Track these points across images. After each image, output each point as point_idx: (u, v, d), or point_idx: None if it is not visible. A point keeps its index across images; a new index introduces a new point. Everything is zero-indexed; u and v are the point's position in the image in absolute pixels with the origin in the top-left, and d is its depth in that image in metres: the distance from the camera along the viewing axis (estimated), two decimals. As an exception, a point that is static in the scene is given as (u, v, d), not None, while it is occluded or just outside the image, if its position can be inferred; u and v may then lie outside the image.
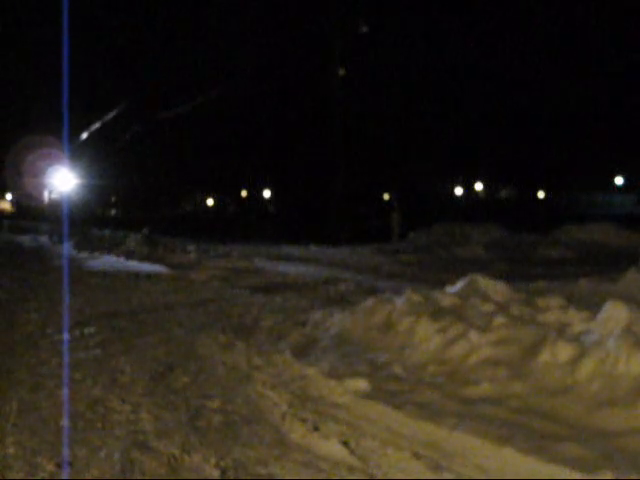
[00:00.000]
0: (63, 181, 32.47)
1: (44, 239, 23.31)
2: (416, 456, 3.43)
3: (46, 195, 43.48)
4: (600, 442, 3.43)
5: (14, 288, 10.08)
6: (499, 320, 5.25)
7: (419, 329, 5.42)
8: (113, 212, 53.81)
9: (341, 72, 19.60)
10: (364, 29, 19.48)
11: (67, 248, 17.09)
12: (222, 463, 3.41)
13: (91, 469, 3.35)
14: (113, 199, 52.63)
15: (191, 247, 15.30)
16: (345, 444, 3.60)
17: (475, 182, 54.13)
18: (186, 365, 5.37)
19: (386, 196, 38.66)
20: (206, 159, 41.22)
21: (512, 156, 43.54)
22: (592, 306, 5.36)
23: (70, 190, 33.00)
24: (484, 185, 55.26)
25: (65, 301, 8.60)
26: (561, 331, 4.83)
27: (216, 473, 3.30)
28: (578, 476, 3.06)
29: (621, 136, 40.63)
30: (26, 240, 23.24)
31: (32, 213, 48.00)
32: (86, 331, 6.69)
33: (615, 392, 3.91)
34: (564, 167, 44.58)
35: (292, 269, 12.24)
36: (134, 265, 13.48)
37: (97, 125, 27.87)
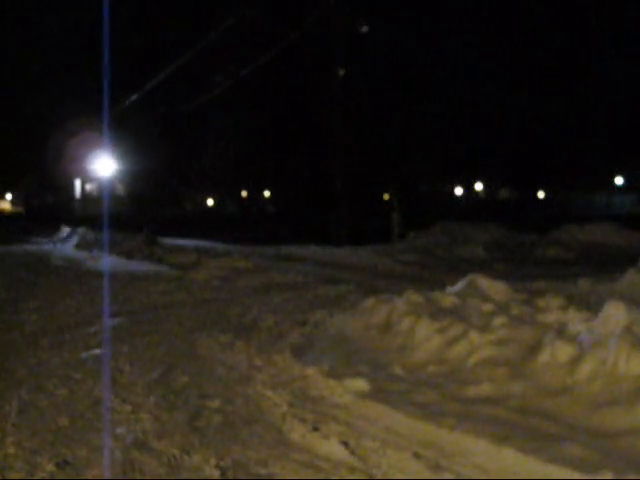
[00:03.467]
0: (103, 168, 24.67)
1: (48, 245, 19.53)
2: (416, 456, 3.43)
3: (77, 187, 33.69)
4: (600, 442, 3.43)
5: (14, 288, 10.07)
6: (499, 320, 5.26)
7: (419, 329, 5.42)
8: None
9: (341, 72, 19.58)
10: (364, 29, 19.47)
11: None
12: (222, 463, 3.41)
13: (91, 469, 3.35)
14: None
15: (191, 247, 15.30)
16: (345, 444, 3.60)
17: (475, 182, 54.15)
18: (186, 365, 5.37)
19: (386, 196, 38.66)
20: (206, 159, 41.17)
21: (512, 156, 43.56)
22: (592, 306, 5.37)
23: (111, 179, 24.79)
24: (484, 185, 55.28)
25: (65, 302, 8.60)
26: (561, 331, 4.83)
27: (216, 473, 3.30)
28: (578, 476, 3.06)
29: (621, 136, 40.68)
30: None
31: (51, 212, 38.26)
32: (85, 331, 6.69)
33: (615, 392, 3.91)
34: (564, 167, 44.60)
35: (292, 269, 12.23)
36: (134, 265, 13.47)
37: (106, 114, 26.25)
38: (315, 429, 3.82)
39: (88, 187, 33.36)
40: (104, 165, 25.59)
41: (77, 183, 33.74)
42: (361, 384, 4.44)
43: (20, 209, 56.58)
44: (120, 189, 32.53)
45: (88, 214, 29.77)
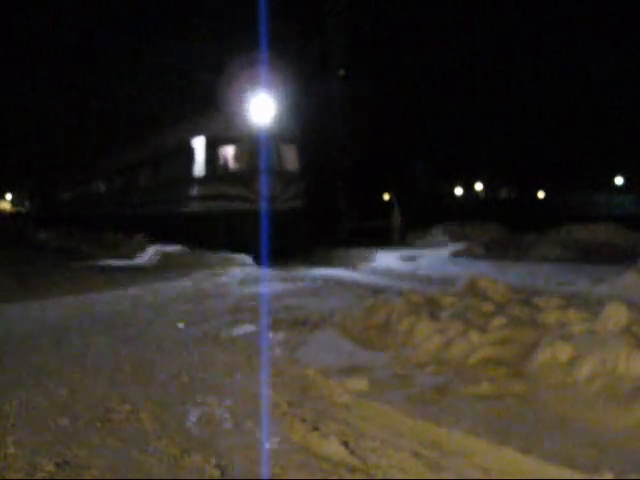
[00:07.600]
0: (258, 114, 12.99)
1: None
2: (416, 456, 3.43)
3: (199, 153, 14.27)
4: (600, 442, 3.43)
5: (14, 287, 10.08)
6: (499, 320, 5.25)
7: (419, 329, 5.42)
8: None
9: (341, 73, 19.58)
10: (364, 29, 19.49)
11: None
12: (222, 463, 3.41)
13: (91, 469, 3.35)
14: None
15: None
16: (345, 444, 3.59)
17: (475, 182, 54.21)
18: (186, 365, 5.36)
19: (386, 196, 38.66)
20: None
21: (512, 156, 43.62)
22: (592, 306, 5.36)
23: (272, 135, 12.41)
24: (484, 185, 55.33)
25: (67, 301, 8.61)
26: (561, 331, 4.82)
27: (216, 473, 3.30)
28: (578, 476, 3.06)
29: (621, 136, 40.73)
30: None
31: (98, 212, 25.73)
32: (86, 329, 6.70)
33: (615, 392, 3.91)
34: (564, 167, 44.67)
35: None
36: (134, 264, 13.47)
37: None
38: (315, 429, 3.82)
39: (221, 153, 14.69)
40: (258, 109, 13.42)
41: (198, 144, 15.36)
42: (361, 384, 4.44)
43: (22, 209, 50.50)
44: (289, 156, 15.22)
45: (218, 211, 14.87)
